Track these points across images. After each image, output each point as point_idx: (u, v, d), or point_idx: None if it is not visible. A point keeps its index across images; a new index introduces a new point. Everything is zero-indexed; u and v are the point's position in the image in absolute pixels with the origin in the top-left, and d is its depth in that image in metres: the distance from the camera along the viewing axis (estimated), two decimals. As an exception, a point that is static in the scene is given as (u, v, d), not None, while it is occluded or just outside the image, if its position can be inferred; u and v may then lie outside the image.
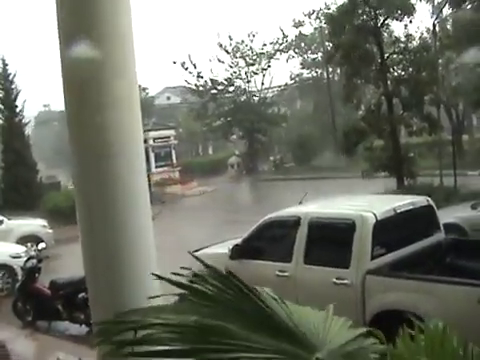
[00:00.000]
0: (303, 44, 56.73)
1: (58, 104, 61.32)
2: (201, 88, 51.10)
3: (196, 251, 12.53)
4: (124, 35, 4.97)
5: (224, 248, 11.47)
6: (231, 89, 52.03)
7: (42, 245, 16.15)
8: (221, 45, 51.06)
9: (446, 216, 12.84)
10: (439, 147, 25.61)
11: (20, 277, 14.64)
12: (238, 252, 10.93)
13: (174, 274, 3.17)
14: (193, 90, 51.72)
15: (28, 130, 32.31)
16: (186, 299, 2.87)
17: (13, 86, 30.16)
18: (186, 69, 50.28)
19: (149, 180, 32.53)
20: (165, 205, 29.98)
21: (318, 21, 51.60)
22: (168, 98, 67.56)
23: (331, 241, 9.83)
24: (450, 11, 28.30)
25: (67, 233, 22.35)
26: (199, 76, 50.84)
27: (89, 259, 5.15)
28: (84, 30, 4.79)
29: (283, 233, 10.73)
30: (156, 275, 3.56)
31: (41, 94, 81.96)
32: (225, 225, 23.50)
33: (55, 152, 66.86)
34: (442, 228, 10.39)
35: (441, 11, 30.39)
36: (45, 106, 76.48)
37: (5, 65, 30.21)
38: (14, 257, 16.60)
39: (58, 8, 4.90)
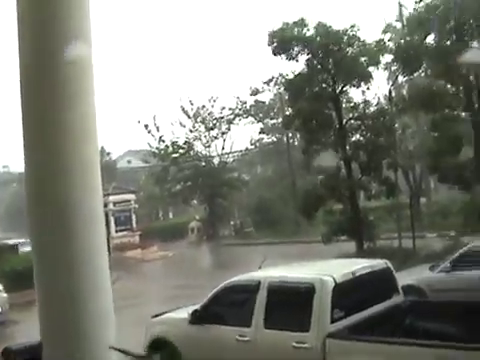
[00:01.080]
0: (263, 110, 57.40)
1: (18, 165, 60.77)
2: (162, 152, 51.26)
3: (156, 316, 12.42)
4: (87, 99, 5.03)
5: (184, 313, 11.36)
6: (192, 153, 52.29)
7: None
8: (183, 109, 51.53)
9: (405, 278, 12.94)
10: (397, 210, 25.93)
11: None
12: (198, 317, 10.84)
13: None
14: (155, 154, 51.85)
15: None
16: None
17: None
18: (149, 132, 50.54)
19: (109, 244, 32.28)
20: (125, 270, 29.62)
21: (277, 87, 52.38)
22: (129, 162, 67.55)
23: (291, 305, 9.78)
24: (406, 78, 29.04)
25: (25, 297, 21.95)
26: (161, 139, 51.09)
27: (46, 325, 5.07)
28: (46, 94, 4.84)
29: (243, 298, 10.65)
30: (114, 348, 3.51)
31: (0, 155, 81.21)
32: (185, 290, 23.30)
33: (12, 214, 65.94)
34: (401, 290, 10.44)
35: (397, 78, 31.21)
36: (4, 167, 75.70)
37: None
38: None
39: (21, 77, 4.95)
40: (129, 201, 45.61)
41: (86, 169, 5.06)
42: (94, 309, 4.96)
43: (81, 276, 4.94)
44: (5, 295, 21.64)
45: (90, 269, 4.99)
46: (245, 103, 54.19)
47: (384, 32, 30.18)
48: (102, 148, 51.98)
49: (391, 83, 33.26)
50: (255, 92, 54.57)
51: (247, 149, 58.24)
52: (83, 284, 4.95)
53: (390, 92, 27.15)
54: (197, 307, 11.13)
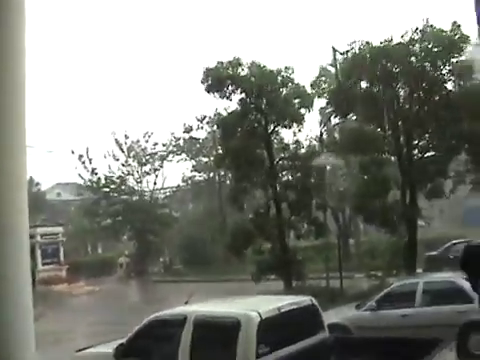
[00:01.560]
0: (195, 147, 57.57)
1: None
2: (94, 184, 50.75)
3: (81, 350, 12.23)
4: (17, 126, 4.98)
5: (108, 348, 11.20)
6: (123, 188, 51.93)
7: None
8: (117, 142, 51.27)
9: (332, 317, 13.13)
10: (326, 250, 26.24)
11: None
12: (122, 351, 10.69)
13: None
14: (86, 186, 51.27)
15: None
16: None
17: None
18: (83, 163, 49.99)
19: (34, 278, 31.58)
20: (50, 305, 28.97)
21: (210, 125, 52.71)
22: (58, 194, 66.60)
23: (217, 340, 9.77)
24: (337, 120, 29.66)
25: None
26: (94, 172, 50.61)
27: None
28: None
29: (169, 332, 10.57)
30: None
31: None
32: (111, 325, 22.97)
33: None
34: (326, 327, 10.56)
35: (329, 120, 31.85)
36: None
37: None
38: None
39: None
40: (57, 234, 44.86)
41: (14, 191, 4.98)
42: (14, 347, 4.85)
43: (2, 309, 4.82)
44: None
45: (12, 303, 4.89)
46: (179, 140, 54.34)
47: (318, 77, 30.80)
48: (31, 178, 51.16)
49: (323, 125, 33.96)
50: (189, 129, 54.79)
51: (179, 186, 58.18)
52: (4, 319, 4.83)
53: (321, 134, 27.71)
54: (122, 341, 11.00)
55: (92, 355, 11.84)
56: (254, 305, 10.07)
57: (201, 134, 56.24)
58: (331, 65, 35.42)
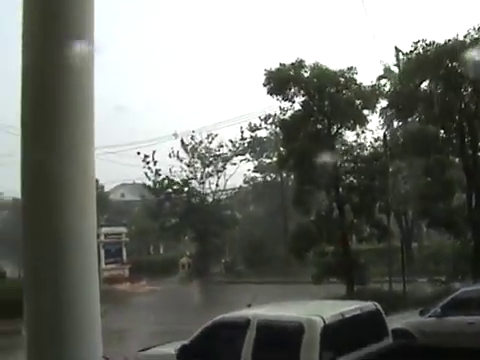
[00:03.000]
0: (258, 148, 57.61)
1: (12, 193, 60.51)
2: (158, 185, 51.20)
3: (143, 350, 12.34)
4: (86, 126, 5.04)
5: (170, 348, 11.27)
6: (186, 189, 52.27)
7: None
8: (183, 143, 51.67)
9: (395, 322, 12.90)
10: (389, 254, 25.87)
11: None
12: (185, 353, 10.76)
13: None
14: (149, 187, 51.79)
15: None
16: None
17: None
18: (147, 163, 50.52)
19: (98, 277, 31.99)
20: (113, 303, 29.36)
21: (274, 126, 52.67)
22: (122, 195, 67.49)
23: (279, 344, 9.73)
24: (400, 122, 29.26)
25: (9, 326, 21.77)
26: (158, 173, 51.11)
27: (33, 355, 5.02)
28: (47, 126, 4.86)
29: (231, 335, 10.59)
30: None
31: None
32: (173, 325, 23.15)
33: (2, 241, 65.56)
34: (390, 333, 10.39)
35: (392, 122, 31.45)
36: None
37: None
38: None
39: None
40: (120, 234, 45.54)
41: (83, 198, 5.04)
42: (83, 345, 4.91)
43: (71, 309, 4.89)
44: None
45: (81, 303, 4.95)
46: (244, 139, 54.46)
47: (380, 78, 30.42)
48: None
49: (386, 127, 33.56)
50: (254, 128, 54.88)
51: (240, 187, 58.30)
52: (73, 318, 4.89)
53: (385, 136, 27.31)
54: (185, 342, 11.05)
55: (155, 355, 11.94)
56: (317, 310, 9.99)
57: (264, 134, 56.36)
58: (394, 65, 35.03)
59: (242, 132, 54.28)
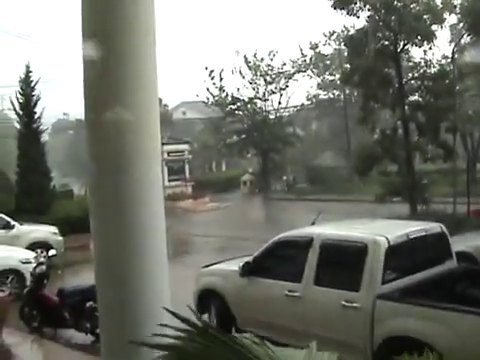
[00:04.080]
0: (321, 65, 56.86)
1: (78, 113, 61.53)
2: (221, 101, 51.05)
3: (207, 267, 12.55)
4: (147, 47, 5.00)
5: (234, 265, 11.42)
6: (248, 106, 52.05)
7: (52, 252, 16.18)
8: (246, 59, 51.21)
9: (458, 244, 12.73)
10: (454, 175, 25.44)
11: (29, 283, 14.62)
12: (248, 269, 10.90)
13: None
14: (211, 104, 51.69)
15: (45, 137, 32.31)
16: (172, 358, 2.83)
17: (34, 93, 30.17)
18: (212, 78, 50.37)
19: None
20: (176, 219, 29.89)
21: (337, 42, 51.75)
22: (184, 113, 67.76)
23: (342, 263, 9.75)
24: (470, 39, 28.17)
25: (78, 241, 22.48)
26: (222, 89, 50.98)
27: (101, 270, 5.14)
28: (107, 44, 4.82)
29: (294, 253, 10.65)
30: (167, 309, 3.50)
31: (63, 102, 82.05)
32: (236, 241, 23.50)
33: (68, 160, 67.23)
34: (454, 256, 10.29)
35: (461, 37, 30.35)
36: (65, 114, 76.78)
37: (28, 72, 30.25)
38: (24, 262, 16.63)
39: (83, 24, 4.94)
40: (183, 151, 45.97)
41: (146, 117, 5.06)
42: (149, 255, 5.01)
43: (137, 222, 4.99)
44: (61, 238, 22.14)
45: (146, 216, 5.04)
46: (305, 56, 53.79)
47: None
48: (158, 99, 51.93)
49: (454, 44, 32.45)
50: (315, 46, 54.03)
51: (303, 105, 57.84)
52: (139, 230, 4.99)
53: (453, 53, 26.43)
54: (249, 259, 11.18)
55: (218, 271, 12.13)
56: (382, 230, 9.91)
57: (328, 50, 55.47)
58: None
59: (301, 49, 53.56)
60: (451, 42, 34.65)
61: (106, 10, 4.79)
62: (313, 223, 11.54)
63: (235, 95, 51.23)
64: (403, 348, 5.93)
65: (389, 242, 9.09)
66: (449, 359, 3.23)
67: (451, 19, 27.46)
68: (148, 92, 5.02)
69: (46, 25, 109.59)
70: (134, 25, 4.86)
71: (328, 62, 56.40)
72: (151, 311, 4.85)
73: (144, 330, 4.55)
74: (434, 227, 10.29)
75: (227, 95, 50.91)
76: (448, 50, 44.32)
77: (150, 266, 4.97)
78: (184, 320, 2.92)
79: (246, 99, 51.38)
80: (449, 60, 28.65)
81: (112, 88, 4.87)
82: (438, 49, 33.69)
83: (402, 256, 9.48)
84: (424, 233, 9.92)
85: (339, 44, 50.03)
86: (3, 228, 21.10)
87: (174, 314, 3.02)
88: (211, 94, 51.13)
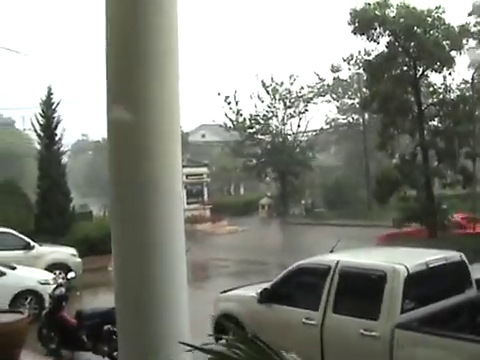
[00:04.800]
0: (340, 89, 56.95)
1: (96, 134, 62.13)
2: (240, 125, 51.21)
3: (225, 292, 12.56)
4: (171, 75, 5.08)
5: (252, 291, 11.43)
6: (267, 130, 52.18)
7: (71, 274, 16.26)
8: (264, 84, 51.43)
9: (478, 272, 12.64)
10: (473, 200, 25.29)
11: (47, 304, 14.67)
12: (266, 296, 10.90)
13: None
14: (229, 128, 51.89)
15: (64, 158, 32.54)
16: None
17: (55, 115, 30.47)
18: (229, 103, 50.61)
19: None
20: (195, 242, 29.94)
21: (356, 67, 51.84)
22: (203, 136, 68.00)
23: (361, 292, 9.72)
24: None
25: (96, 263, 22.57)
26: (239, 113, 51.17)
27: (120, 292, 5.19)
28: (131, 71, 4.91)
29: (313, 280, 10.63)
30: (185, 344, 3.51)
31: (81, 123, 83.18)
32: (254, 266, 23.48)
33: (88, 181, 67.63)
34: (475, 285, 10.23)
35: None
36: (84, 135, 77.52)
37: (50, 94, 30.57)
38: (43, 283, 16.71)
39: (107, 45, 5.03)
40: (202, 174, 46.06)
41: (168, 141, 5.13)
42: (169, 279, 5.05)
43: (158, 245, 5.04)
44: (79, 260, 22.21)
45: (167, 239, 5.09)
46: (324, 81, 53.96)
47: (469, 14, 29.23)
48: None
49: (474, 70, 32.41)
50: (336, 70, 54.15)
51: (322, 128, 57.88)
52: (159, 253, 5.04)
53: (473, 79, 26.42)
54: (267, 286, 11.18)
55: (236, 297, 12.13)
56: (401, 258, 9.87)
57: (346, 75, 55.56)
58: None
59: (318, 75, 53.73)
60: (470, 67, 34.62)
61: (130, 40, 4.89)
62: (332, 251, 11.53)
63: (253, 117, 51.42)
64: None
65: (408, 271, 9.07)
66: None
67: (470, 43, 27.45)
68: (171, 119, 5.10)
69: (65, 47, 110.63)
70: (158, 54, 4.95)
71: (346, 86, 56.47)
72: (170, 335, 4.90)
73: (162, 354, 4.58)
74: (454, 256, 10.24)
75: (245, 119, 51.11)
76: (468, 75, 44.19)
77: (170, 290, 5.02)
78: (202, 349, 2.94)
79: (263, 122, 51.53)
80: (469, 85, 28.63)
81: (134, 105, 4.96)
82: (458, 74, 33.54)
83: (421, 285, 9.44)
84: (444, 262, 9.87)
85: (358, 68, 50.15)
86: (23, 249, 21.21)
87: (191, 346, 3.04)
88: (229, 119, 51.44)
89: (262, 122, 51.69)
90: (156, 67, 4.97)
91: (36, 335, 13.35)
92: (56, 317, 13.37)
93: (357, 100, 53.69)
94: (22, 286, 16.60)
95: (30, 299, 16.64)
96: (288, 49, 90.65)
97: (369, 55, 28.09)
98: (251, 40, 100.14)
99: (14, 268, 17.36)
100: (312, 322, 9.85)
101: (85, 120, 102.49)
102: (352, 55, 52.53)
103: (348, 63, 53.09)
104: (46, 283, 16.62)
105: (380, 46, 26.00)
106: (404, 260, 9.54)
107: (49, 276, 17.71)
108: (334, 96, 56.84)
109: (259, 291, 11.05)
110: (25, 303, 16.39)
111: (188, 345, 3.14)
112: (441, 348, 8.07)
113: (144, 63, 4.90)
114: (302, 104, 52.66)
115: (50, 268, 20.19)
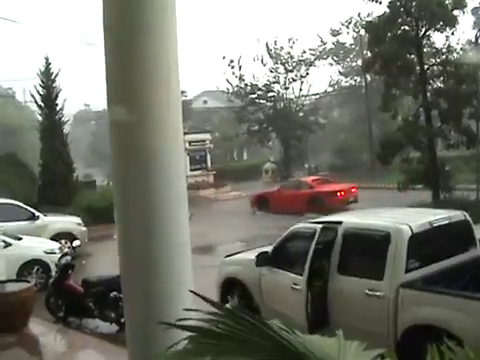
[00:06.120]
0: (342, 52, 56.55)
1: (99, 104, 61.93)
2: (241, 91, 51.05)
3: (229, 256, 12.59)
4: (169, 38, 5.03)
5: (253, 254, 11.39)
6: (269, 94, 51.96)
7: (77, 242, 16.32)
8: (268, 47, 51.17)
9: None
10: (476, 161, 25.22)
11: (54, 273, 14.76)
12: (266, 259, 10.83)
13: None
14: (232, 93, 51.71)
15: (67, 128, 32.48)
16: (197, 341, 2.80)
17: (55, 85, 30.36)
18: (232, 68, 50.44)
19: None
20: (198, 208, 29.97)
21: (357, 29, 51.43)
22: (205, 102, 67.69)
23: (365, 252, 9.73)
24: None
25: (100, 232, 22.66)
26: (241, 78, 50.95)
27: (125, 259, 5.21)
28: (130, 34, 4.86)
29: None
30: (190, 310, 3.49)
31: (84, 93, 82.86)
32: (258, 230, 23.52)
33: (91, 151, 67.59)
34: (478, 244, 10.22)
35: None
36: (86, 105, 77.26)
37: (48, 64, 30.44)
38: (48, 253, 16.78)
39: (104, 12, 4.98)
40: (204, 141, 45.93)
41: (165, 108, 5.09)
42: (172, 242, 5.07)
43: (160, 211, 5.04)
44: (84, 229, 22.29)
45: (169, 206, 5.08)
46: (325, 44, 53.59)
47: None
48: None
49: (478, 29, 32.10)
50: (336, 33, 53.72)
51: (325, 91, 57.59)
52: (162, 218, 5.04)
53: (477, 38, 26.17)
54: (266, 249, 11.16)
55: (239, 261, 12.15)
56: (405, 218, 9.87)
57: (347, 38, 55.14)
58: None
59: (321, 38, 53.38)
60: (474, 26, 34.30)
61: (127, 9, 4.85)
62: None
63: (256, 83, 51.24)
64: (427, 337, 5.93)
65: (412, 230, 9.06)
66: (473, 348, 3.20)
67: (473, 2, 27.17)
68: (171, 86, 5.06)
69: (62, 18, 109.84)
70: (155, 22, 4.90)
71: (348, 50, 56.06)
72: (175, 296, 4.93)
73: (169, 315, 4.60)
74: (457, 215, 10.23)
75: (247, 85, 50.90)
76: (471, 34, 43.84)
77: (174, 252, 5.03)
78: (211, 302, 2.92)
79: (265, 88, 51.30)
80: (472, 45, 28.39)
81: (134, 82, 4.92)
82: (462, 33, 33.30)
83: (425, 244, 9.45)
84: (447, 221, 9.86)
85: (358, 31, 49.75)
86: (28, 219, 21.27)
87: (201, 296, 3.02)
88: (230, 84, 51.23)
89: (263, 89, 51.42)
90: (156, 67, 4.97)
91: (44, 304, 13.46)
92: (63, 285, 13.46)
93: (359, 62, 53.34)
94: (28, 256, 16.68)
95: (37, 269, 16.73)
96: (288, 12, 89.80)
97: (368, 16, 27.77)
98: (249, 3, 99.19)
99: (20, 239, 17.42)
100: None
101: (87, 90, 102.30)
102: (351, 18, 52.16)
103: (347, 27, 52.71)
104: (52, 252, 16.69)
105: (381, 7, 25.76)
106: (408, 220, 9.54)
107: (55, 245, 17.78)
108: (335, 59, 56.45)
109: (256, 255, 11.00)
110: (32, 272, 16.48)
111: (198, 295, 3.14)
112: (445, 306, 8.10)
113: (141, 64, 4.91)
114: (304, 68, 52.31)
115: (56, 238, 20.25)
